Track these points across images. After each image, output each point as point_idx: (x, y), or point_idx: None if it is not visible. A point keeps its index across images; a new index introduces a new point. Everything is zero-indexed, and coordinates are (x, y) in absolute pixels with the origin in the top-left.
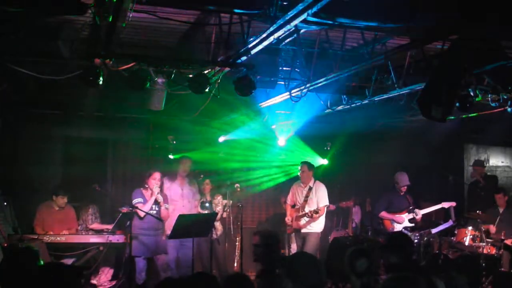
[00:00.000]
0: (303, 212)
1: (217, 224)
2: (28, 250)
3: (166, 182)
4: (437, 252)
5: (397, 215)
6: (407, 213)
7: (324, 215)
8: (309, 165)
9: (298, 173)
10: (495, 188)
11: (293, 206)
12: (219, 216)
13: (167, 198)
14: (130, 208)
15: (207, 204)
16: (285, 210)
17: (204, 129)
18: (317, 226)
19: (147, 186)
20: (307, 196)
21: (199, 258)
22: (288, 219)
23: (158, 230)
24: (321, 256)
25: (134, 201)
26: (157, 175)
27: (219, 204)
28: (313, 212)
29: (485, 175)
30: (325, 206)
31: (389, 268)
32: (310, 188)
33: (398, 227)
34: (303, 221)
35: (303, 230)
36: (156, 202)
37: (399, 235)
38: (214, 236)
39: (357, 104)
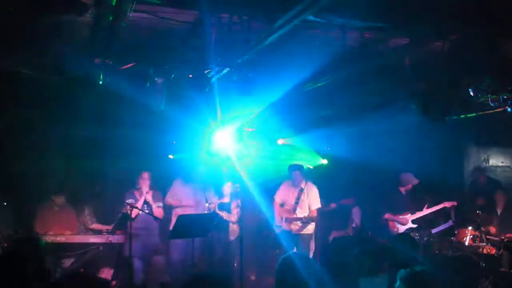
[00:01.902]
0: (296, 216)
1: (235, 227)
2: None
3: (180, 182)
4: (437, 252)
5: (401, 217)
6: (410, 214)
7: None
8: (300, 168)
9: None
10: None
11: (282, 205)
12: (236, 218)
13: (161, 197)
14: (130, 208)
15: (225, 206)
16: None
17: (204, 129)
18: (309, 227)
19: (138, 186)
20: (298, 198)
21: (207, 258)
22: (278, 219)
23: (151, 230)
24: (321, 256)
25: (127, 201)
26: (145, 175)
27: (237, 207)
28: (309, 219)
29: (488, 178)
30: (317, 208)
31: (395, 267)
32: (302, 190)
33: (402, 229)
34: (297, 225)
35: (294, 232)
36: (146, 201)
37: (405, 235)
38: (232, 238)
39: (357, 104)
